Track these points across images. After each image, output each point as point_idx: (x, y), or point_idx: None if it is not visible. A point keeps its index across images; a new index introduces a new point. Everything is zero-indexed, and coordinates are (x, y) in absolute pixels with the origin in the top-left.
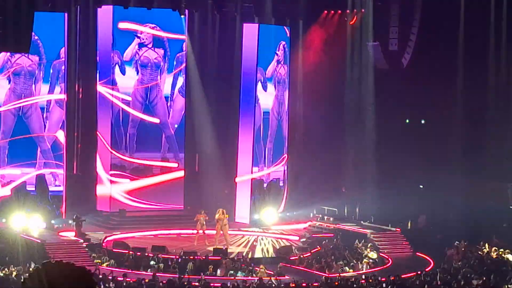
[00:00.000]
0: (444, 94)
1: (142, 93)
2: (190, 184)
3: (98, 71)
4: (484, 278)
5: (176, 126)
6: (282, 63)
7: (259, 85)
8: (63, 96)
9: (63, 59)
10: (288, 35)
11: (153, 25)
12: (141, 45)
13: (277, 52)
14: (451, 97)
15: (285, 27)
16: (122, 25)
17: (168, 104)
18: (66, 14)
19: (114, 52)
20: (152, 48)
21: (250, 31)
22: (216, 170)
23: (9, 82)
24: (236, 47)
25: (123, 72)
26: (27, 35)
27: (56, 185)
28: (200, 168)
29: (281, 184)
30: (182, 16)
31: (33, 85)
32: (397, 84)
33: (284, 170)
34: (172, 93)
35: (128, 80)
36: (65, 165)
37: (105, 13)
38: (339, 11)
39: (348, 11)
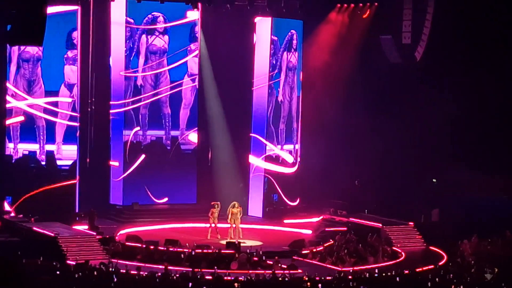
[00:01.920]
0: (457, 88)
1: (152, 79)
2: (203, 178)
3: (110, 61)
4: (497, 270)
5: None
6: (293, 51)
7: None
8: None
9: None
10: (301, 28)
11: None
12: (150, 32)
13: (288, 41)
14: (464, 90)
15: (297, 20)
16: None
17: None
18: (79, 8)
19: (127, 43)
20: (161, 36)
21: (262, 24)
22: (229, 164)
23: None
24: (248, 40)
25: (135, 62)
26: (40, 28)
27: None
28: (213, 162)
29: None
30: (195, 10)
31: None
32: (410, 77)
33: (296, 161)
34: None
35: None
36: (78, 157)
37: (118, 6)
38: (352, 5)
39: (361, 4)
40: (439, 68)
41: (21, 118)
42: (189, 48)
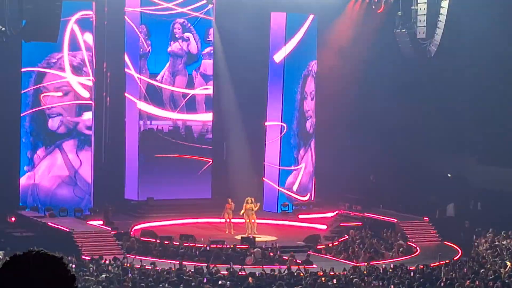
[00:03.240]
0: (471, 82)
1: (170, 81)
2: (218, 173)
3: (126, 56)
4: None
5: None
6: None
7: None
8: (89, 83)
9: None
10: (315, 23)
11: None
12: (171, 37)
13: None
14: (478, 85)
15: (312, 15)
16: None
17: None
18: (94, 3)
19: (142, 40)
20: (180, 40)
21: (277, 19)
22: (244, 159)
23: None
24: (264, 35)
25: (151, 62)
26: (55, 25)
27: None
28: (228, 157)
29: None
30: (210, 6)
31: None
32: (424, 71)
33: (311, 156)
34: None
35: (157, 67)
36: (93, 153)
37: (133, 1)
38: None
39: None
40: (453, 63)
41: None
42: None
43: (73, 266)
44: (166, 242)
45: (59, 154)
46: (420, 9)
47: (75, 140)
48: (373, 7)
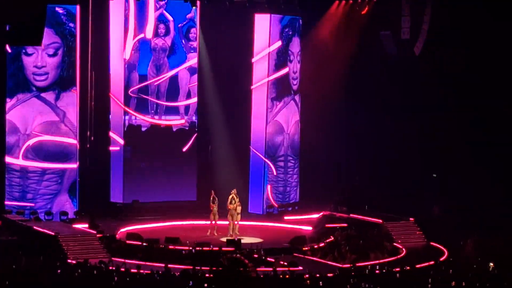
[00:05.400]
0: (458, 83)
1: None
2: (203, 175)
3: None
4: (492, 265)
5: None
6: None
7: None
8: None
9: None
10: (299, 24)
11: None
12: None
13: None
14: (465, 84)
15: (295, 17)
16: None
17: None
18: (78, 6)
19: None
20: (163, 37)
21: (261, 22)
22: (229, 160)
23: None
24: (247, 37)
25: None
26: (39, 28)
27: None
28: (213, 158)
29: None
30: (194, 7)
31: None
32: (409, 72)
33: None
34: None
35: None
36: (78, 156)
37: (117, 5)
38: (351, 1)
39: (359, 0)
40: (439, 63)
41: None
42: (188, 46)
43: (59, 270)
44: (151, 244)
45: None
46: (404, 9)
47: None
48: (357, 8)
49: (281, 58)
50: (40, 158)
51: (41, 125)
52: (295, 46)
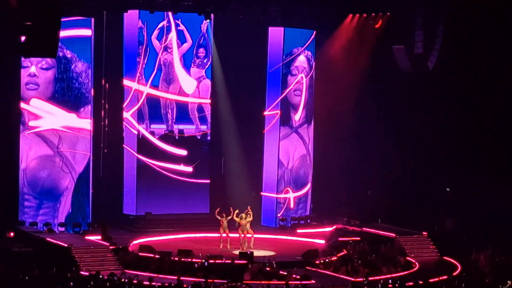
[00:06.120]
0: (471, 96)
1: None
2: (216, 188)
3: (124, 69)
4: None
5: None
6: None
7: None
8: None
9: None
10: (313, 37)
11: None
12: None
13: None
14: (479, 98)
15: (310, 30)
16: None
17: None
18: (92, 19)
19: (140, 53)
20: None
21: (275, 35)
22: (242, 173)
23: None
24: (261, 50)
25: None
26: (54, 41)
27: None
28: (226, 171)
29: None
30: (208, 20)
31: None
32: (422, 86)
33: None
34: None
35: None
36: (92, 167)
37: (131, 17)
38: (364, 14)
39: (373, 14)
40: (451, 77)
41: None
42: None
43: (71, 283)
44: (164, 257)
45: None
46: (417, 24)
47: None
48: (371, 22)
49: (292, 72)
50: None
51: None
52: (307, 60)
